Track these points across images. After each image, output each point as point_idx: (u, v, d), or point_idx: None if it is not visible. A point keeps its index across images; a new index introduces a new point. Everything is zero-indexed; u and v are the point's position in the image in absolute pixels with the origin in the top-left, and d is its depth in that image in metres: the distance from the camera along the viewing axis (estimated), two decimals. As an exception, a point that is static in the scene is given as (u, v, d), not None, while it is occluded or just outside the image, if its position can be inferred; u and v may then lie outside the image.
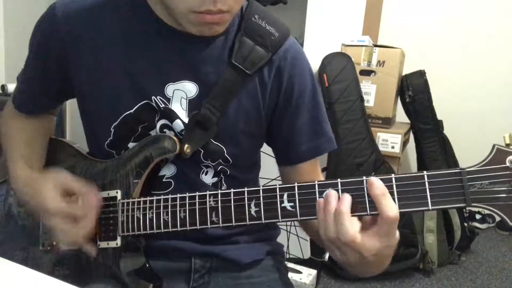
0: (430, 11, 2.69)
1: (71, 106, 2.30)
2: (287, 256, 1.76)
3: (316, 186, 0.59)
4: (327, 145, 0.80)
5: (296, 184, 0.60)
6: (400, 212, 0.54)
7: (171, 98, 0.72)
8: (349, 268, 0.62)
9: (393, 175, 0.55)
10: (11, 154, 0.81)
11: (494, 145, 0.52)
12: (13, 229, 0.84)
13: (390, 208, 0.53)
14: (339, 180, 0.57)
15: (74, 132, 2.32)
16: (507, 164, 0.50)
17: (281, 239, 0.92)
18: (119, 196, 0.72)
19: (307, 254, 1.58)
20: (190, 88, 0.72)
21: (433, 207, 0.53)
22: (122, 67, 0.71)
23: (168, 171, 0.76)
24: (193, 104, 0.72)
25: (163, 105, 0.72)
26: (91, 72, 0.73)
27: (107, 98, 0.73)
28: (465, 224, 2.18)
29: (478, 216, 2.60)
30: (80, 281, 0.73)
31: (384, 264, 0.60)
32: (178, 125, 0.73)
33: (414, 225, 1.97)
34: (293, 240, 1.63)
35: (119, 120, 0.73)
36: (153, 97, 0.71)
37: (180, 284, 0.79)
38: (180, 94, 0.72)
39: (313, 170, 0.82)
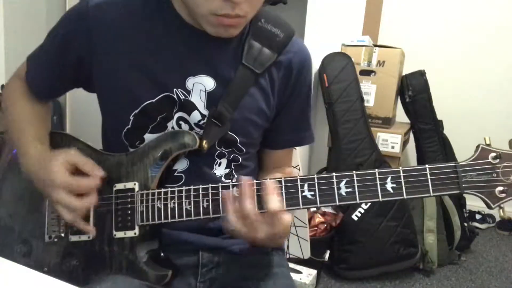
0: (430, 11, 2.69)
1: (71, 105, 2.30)
2: (287, 256, 1.76)
3: (334, 177, 0.68)
4: (309, 139, 0.91)
5: (315, 175, 0.68)
6: (407, 198, 0.67)
7: (191, 90, 0.77)
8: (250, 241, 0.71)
9: (401, 168, 0.67)
10: (21, 135, 0.82)
11: (479, 145, 0.67)
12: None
13: (274, 203, 0.65)
14: (354, 172, 0.68)
15: (74, 132, 2.32)
16: (489, 159, 0.65)
17: (281, 239, 0.92)
18: (136, 187, 0.75)
19: (307, 254, 1.58)
20: (208, 82, 0.77)
21: (433, 194, 0.65)
22: (146, 60, 0.76)
23: (180, 166, 0.79)
24: (211, 97, 0.77)
25: (184, 97, 0.77)
26: (115, 62, 0.76)
27: (129, 87, 0.77)
28: (465, 224, 2.18)
29: (478, 216, 2.60)
30: (90, 273, 0.76)
31: (277, 243, 0.73)
32: (196, 116, 0.77)
33: (414, 225, 1.97)
34: (293, 240, 1.62)
35: (139, 108, 0.77)
36: (174, 89, 0.76)
37: (188, 279, 0.81)
38: (200, 87, 0.77)
39: (287, 156, 0.94)
